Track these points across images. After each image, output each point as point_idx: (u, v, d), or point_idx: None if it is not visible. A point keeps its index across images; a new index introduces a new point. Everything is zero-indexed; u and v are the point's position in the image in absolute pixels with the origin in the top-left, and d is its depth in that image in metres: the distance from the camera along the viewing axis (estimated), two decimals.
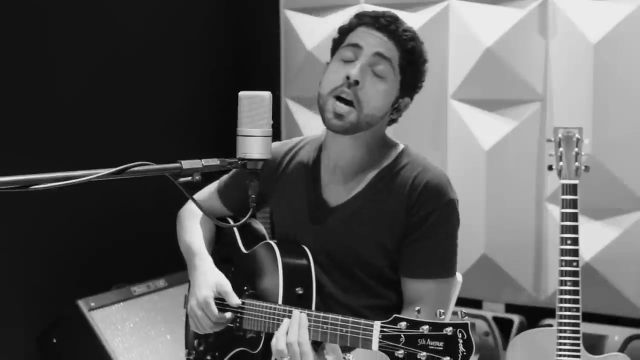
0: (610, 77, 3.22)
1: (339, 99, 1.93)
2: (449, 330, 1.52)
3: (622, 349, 3.16)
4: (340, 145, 2.02)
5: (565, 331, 2.43)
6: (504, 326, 3.46)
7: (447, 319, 2.07)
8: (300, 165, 2.13)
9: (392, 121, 2.08)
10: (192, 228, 2.21)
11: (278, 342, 1.80)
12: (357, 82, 1.91)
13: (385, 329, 1.61)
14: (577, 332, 2.42)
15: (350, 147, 2.01)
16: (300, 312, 1.82)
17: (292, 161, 2.15)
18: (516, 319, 3.47)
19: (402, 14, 3.55)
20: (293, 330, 1.79)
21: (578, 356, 2.42)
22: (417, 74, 2.02)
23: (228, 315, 2.00)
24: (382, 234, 1.98)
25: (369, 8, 3.62)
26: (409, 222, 1.95)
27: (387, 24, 1.96)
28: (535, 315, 3.42)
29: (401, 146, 2.08)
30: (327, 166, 2.08)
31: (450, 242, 2.01)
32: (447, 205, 1.97)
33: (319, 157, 2.10)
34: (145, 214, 3.48)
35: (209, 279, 2.04)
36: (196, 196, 2.21)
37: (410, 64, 1.97)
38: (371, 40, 1.95)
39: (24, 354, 3.35)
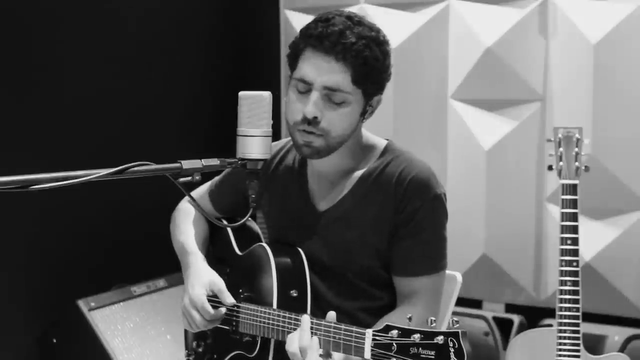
0: (610, 77, 3.22)
1: (304, 132, 1.91)
2: (440, 339, 1.51)
3: (622, 349, 3.16)
4: None
5: (565, 331, 2.43)
6: (504, 326, 3.46)
7: (446, 316, 2.07)
8: (288, 168, 2.12)
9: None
10: (186, 227, 2.21)
11: (290, 345, 1.79)
12: (315, 118, 1.88)
13: (377, 338, 1.61)
14: (577, 332, 2.42)
15: (332, 157, 1.98)
16: (310, 318, 1.80)
17: (281, 164, 2.14)
18: (516, 319, 3.47)
19: (402, 14, 3.63)
20: (306, 335, 1.77)
21: (578, 356, 2.42)
22: (380, 76, 1.94)
23: (222, 311, 2.00)
24: (372, 236, 1.97)
25: (369, 8, 3.66)
26: (397, 219, 1.95)
27: (332, 46, 1.86)
28: (535, 315, 3.42)
29: (384, 142, 2.05)
30: (312, 171, 2.08)
31: (439, 236, 1.98)
32: (433, 199, 1.95)
33: (304, 161, 2.09)
34: (145, 214, 3.47)
35: (202, 277, 2.04)
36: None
37: (368, 74, 1.89)
38: (319, 71, 1.88)
39: (24, 354, 3.35)
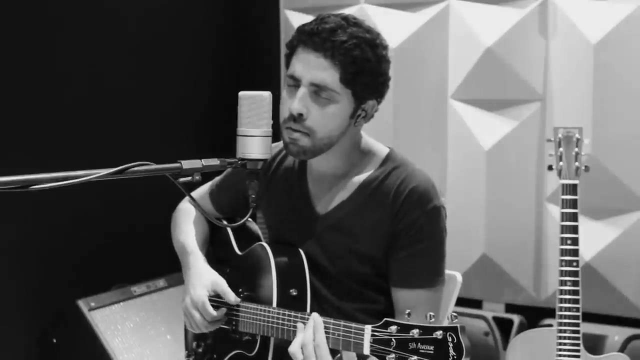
0: (610, 77, 3.22)
1: (291, 129, 1.90)
2: (438, 334, 1.51)
3: (622, 349, 3.16)
4: (318, 157, 1.99)
5: (565, 331, 2.43)
6: (504, 326, 3.46)
7: (446, 317, 2.07)
8: (288, 169, 2.12)
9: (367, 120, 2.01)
10: (186, 227, 2.20)
11: (292, 344, 1.78)
12: (300, 115, 1.87)
13: (376, 333, 1.61)
14: (577, 332, 2.42)
15: (328, 159, 1.99)
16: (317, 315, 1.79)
17: (281, 164, 2.13)
18: (516, 319, 3.47)
19: (402, 14, 3.63)
20: (309, 332, 1.76)
21: (578, 356, 2.42)
22: (371, 78, 1.91)
23: (223, 312, 2.00)
24: (367, 244, 1.97)
25: (369, 8, 3.66)
26: (395, 230, 1.93)
27: (322, 42, 1.86)
28: (535, 315, 3.42)
29: (385, 150, 2.03)
30: (311, 173, 2.07)
31: (436, 250, 1.96)
32: (431, 212, 1.93)
33: (304, 163, 2.09)
34: (146, 214, 3.48)
35: (203, 278, 2.03)
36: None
37: (357, 74, 1.87)
38: (307, 67, 1.87)
39: (24, 354, 3.35)
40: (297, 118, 1.88)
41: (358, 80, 1.88)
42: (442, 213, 1.96)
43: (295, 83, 1.90)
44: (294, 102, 1.87)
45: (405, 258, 1.94)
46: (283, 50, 4.00)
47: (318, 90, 1.87)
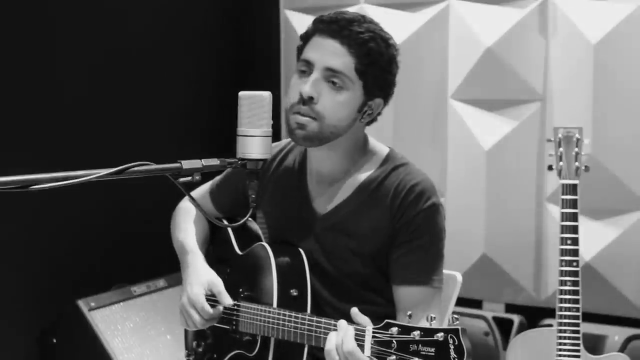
0: (610, 77, 3.22)
1: (299, 114, 1.91)
2: (440, 336, 1.51)
3: (622, 349, 3.16)
4: (319, 153, 2.01)
5: (565, 331, 2.43)
6: (504, 326, 3.46)
7: (446, 317, 2.07)
8: (288, 169, 2.12)
9: (371, 121, 2.03)
10: (186, 226, 2.21)
11: (330, 355, 1.70)
12: (311, 99, 1.88)
13: (377, 335, 1.61)
14: (577, 332, 2.42)
15: (329, 156, 2.00)
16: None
17: (281, 164, 2.14)
18: (516, 319, 3.47)
19: (402, 14, 3.63)
20: (347, 341, 1.67)
21: (578, 356, 2.42)
22: (382, 74, 1.95)
23: (220, 310, 2.00)
24: (367, 244, 1.97)
25: (369, 8, 3.66)
26: (394, 229, 1.94)
27: (339, 30, 1.89)
28: (535, 315, 3.42)
29: (385, 150, 2.05)
30: (312, 173, 2.07)
31: (435, 247, 1.96)
32: (429, 209, 1.94)
33: (304, 162, 2.09)
34: (145, 214, 3.48)
35: (201, 276, 2.04)
36: None
37: (370, 66, 1.91)
38: (322, 52, 1.90)
39: (24, 354, 3.35)
40: (307, 101, 1.89)
41: (370, 72, 1.91)
42: (441, 211, 1.97)
43: (308, 68, 1.91)
44: (306, 85, 1.89)
45: (403, 255, 1.94)
46: (283, 50, 4.05)
47: (331, 76, 1.89)
